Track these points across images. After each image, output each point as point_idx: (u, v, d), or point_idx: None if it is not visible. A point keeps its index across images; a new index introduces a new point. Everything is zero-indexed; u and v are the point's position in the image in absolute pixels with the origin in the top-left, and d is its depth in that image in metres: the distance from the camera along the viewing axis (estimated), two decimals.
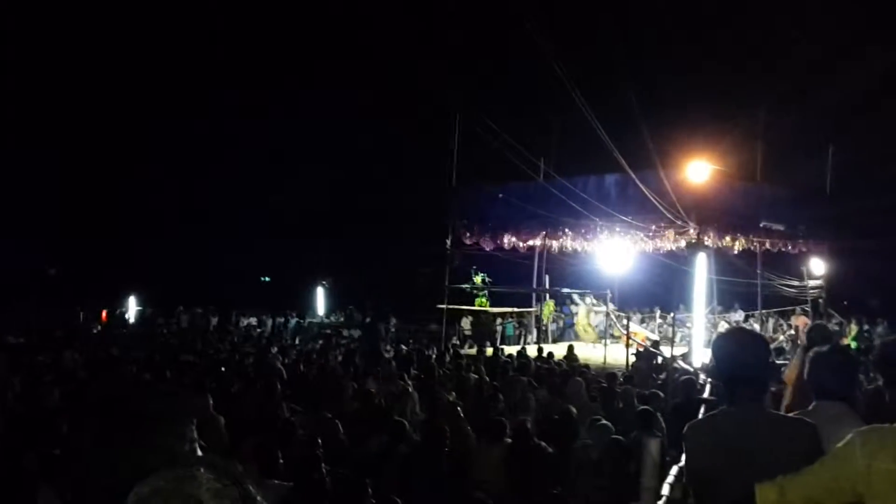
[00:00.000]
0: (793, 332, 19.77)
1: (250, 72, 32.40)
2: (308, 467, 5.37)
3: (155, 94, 31.47)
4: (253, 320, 27.50)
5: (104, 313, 26.80)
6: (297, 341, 20.27)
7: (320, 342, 19.00)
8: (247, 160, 34.28)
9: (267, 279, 33.96)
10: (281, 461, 5.45)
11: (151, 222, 33.71)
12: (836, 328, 20.46)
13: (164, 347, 16.42)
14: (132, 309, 29.76)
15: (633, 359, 15.00)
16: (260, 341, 19.45)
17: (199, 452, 1.97)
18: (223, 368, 12.44)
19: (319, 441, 6.21)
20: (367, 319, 28.56)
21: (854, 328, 21.06)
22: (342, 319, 29.77)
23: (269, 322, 27.19)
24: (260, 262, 34.04)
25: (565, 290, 21.37)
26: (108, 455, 1.83)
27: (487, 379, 11.21)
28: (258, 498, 1.26)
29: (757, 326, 19.91)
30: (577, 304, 21.66)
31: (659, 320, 22.33)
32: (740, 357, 2.82)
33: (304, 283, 32.88)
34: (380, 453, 6.56)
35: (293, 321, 28.51)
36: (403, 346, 19.11)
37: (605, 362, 16.07)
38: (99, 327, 23.75)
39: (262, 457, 5.40)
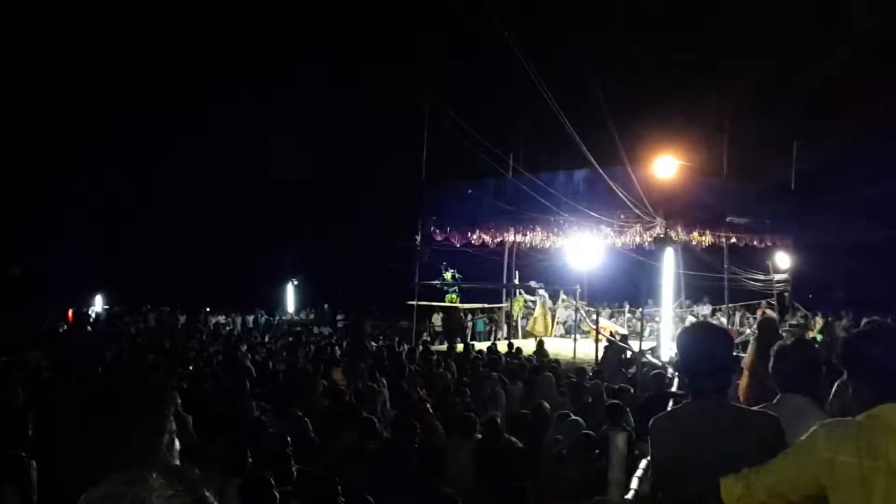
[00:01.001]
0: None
1: (220, 67, 32.14)
2: (278, 466, 5.35)
3: (121, 89, 31.07)
4: (222, 318, 27.28)
5: (70, 312, 26.40)
6: (266, 339, 20.13)
7: (290, 339, 18.89)
8: (215, 156, 33.91)
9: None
10: (250, 460, 5.41)
11: (117, 219, 33.29)
12: (802, 321, 20.77)
13: (131, 346, 16.22)
14: (99, 308, 29.39)
15: (602, 352, 15.08)
16: (229, 339, 19.29)
17: (178, 445, 1.95)
18: (191, 367, 12.34)
19: (289, 439, 6.18)
20: (339, 316, 28.63)
21: (819, 321, 21.36)
22: (312, 317, 29.67)
23: (239, 320, 26.99)
24: (229, 260, 33.71)
25: (533, 285, 21.40)
26: (86, 451, 1.82)
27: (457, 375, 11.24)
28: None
29: (724, 320, 20.15)
30: (537, 297, 21.70)
31: (628, 315, 22.49)
32: (703, 351, 2.85)
33: (274, 280, 32.72)
34: (349, 451, 6.55)
35: (263, 319, 28.36)
36: (374, 343, 19.10)
37: (574, 357, 16.15)
38: (65, 327, 23.38)
39: (231, 456, 5.35)
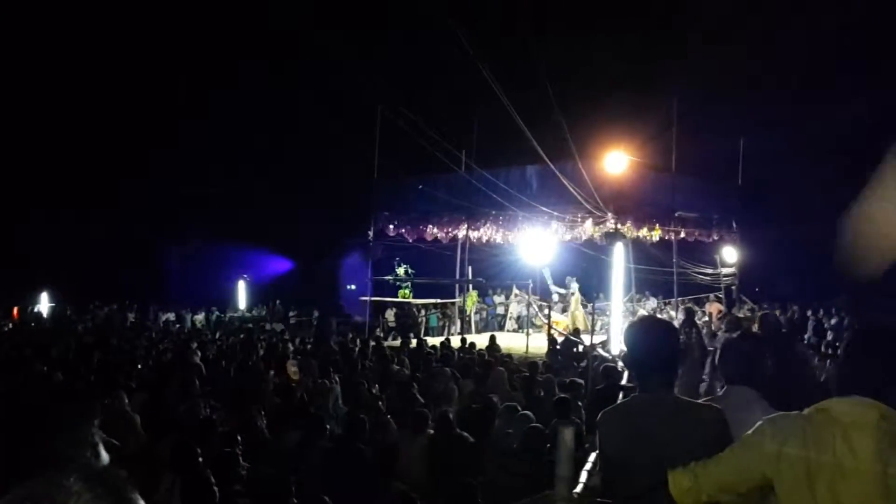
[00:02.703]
0: (707, 318, 20.38)
1: (170, 62, 31.62)
2: (228, 464, 5.28)
3: (72, 76, 30.32)
4: (171, 315, 26.84)
5: (16, 310, 25.74)
6: (217, 336, 19.85)
7: (242, 337, 18.67)
8: (164, 150, 33.34)
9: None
10: (200, 459, 5.33)
11: (62, 214, 32.48)
12: (749, 314, 21.18)
13: (78, 345, 15.86)
14: (45, 305, 28.68)
15: (551, 346, 15.17)
16: (179, 337, 18.99)
17: (105, 456, 1.89)
18: (140, 366, 12.13)
19: (239, 438, 6.11)
20: (292, 313, 28.41)
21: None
22: (264, 313, 29.37)
23: (189, 317, 26.59)
24: (179, 256, 33.20)
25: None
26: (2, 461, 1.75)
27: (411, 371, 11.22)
28: None
29: (673, 313, 20.46)
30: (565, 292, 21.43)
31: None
32: (650, 345, 2.88)
33: (224, 276, 32.28)
34: (301, 448, 6.50)
35: (214, 316, 27.98)
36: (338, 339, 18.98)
37: (527, 351, 16.25)
38: (10, 325, 22.78)
39: (180, 455, 5.27)
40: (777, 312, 21.75)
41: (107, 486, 1.17)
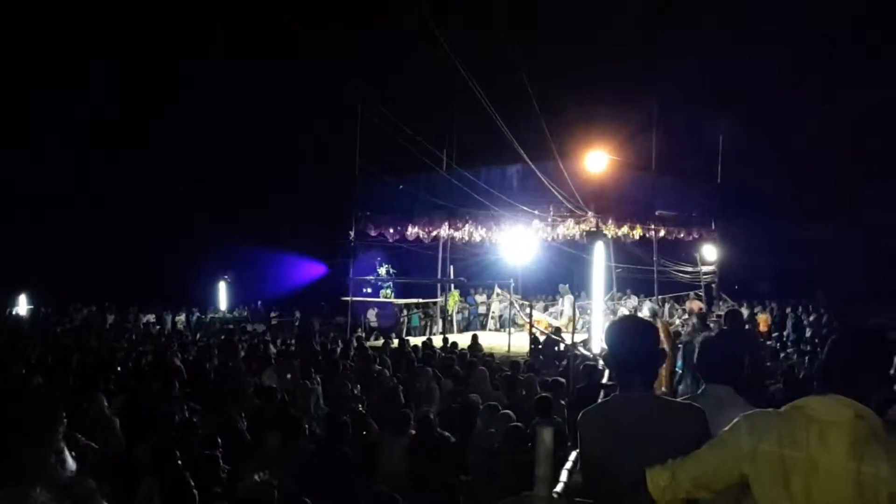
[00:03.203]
0: (687, 315, 20.52)
1: (147, 60, 31.35)
2: (208, 467, 5.26)
3: (41, 75, 30.01)
4: (152, 317, 26.64)
5: None
6: (198, 337, 19.75)
7: (222, 338, 18.57)
8: (142, 150, 33.08)
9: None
10: (179, 462, 5.30)
11: (41, 216, 32.13)
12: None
13: (57, 347, 15.71)
14: (23, 307, 28.36)
15: (532, 344, 15.20)
16: (159, 339, 18.87)
17: (71, 463, 1.87)
18: (119, 368, 12.02)
19: (220, 440, 6.08)
20: (273, 314, 28.29)
21: (745, 312, 21.95)
22: (245, 314, 29.25)
23: (169, 318, 26.41)
24: (159, 256, 32.90)
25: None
26: None
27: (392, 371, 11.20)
28: None
29: (646, 311, 20.58)
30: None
31: (561, 307, 22.73)
32: (630, 344, 2.89)
33: (205, 277, 32.09)
34: (282, 450, 6.47)
35: (194, 317, 27.82)
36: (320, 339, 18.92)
37: (509, 350, 16.28)
38: None
39: (159, 458, 5.24)
40: (755, 309, 22.04)
41: (73, 495, 1.17)
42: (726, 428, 2.40)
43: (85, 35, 29.90)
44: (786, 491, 2.21)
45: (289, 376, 10.21)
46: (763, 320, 20.90)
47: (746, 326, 18.26)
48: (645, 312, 19.13)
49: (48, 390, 8.23)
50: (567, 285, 20.94)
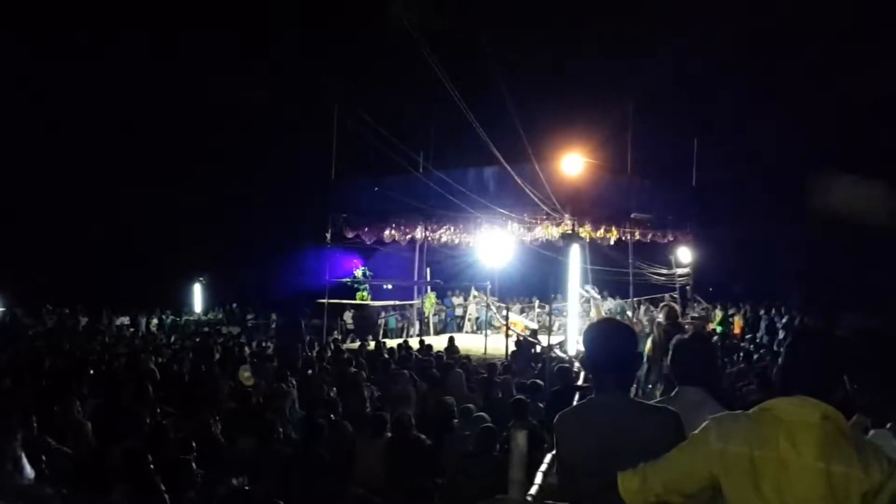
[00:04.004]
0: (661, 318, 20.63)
1: (120, 58, 31.03)
2: (181, 471, 5.20)
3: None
4: (125, 319, 26.38)
5: None
6: (172, 340, 19.58)
7: (197, 340, 18.43)
8: (115, 147, 32.67)
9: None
10: (151, 466, 5.24)
11: (12, 216, 31.66)
12: (703, 313, 21.53)
13: (28, 350, 15.52)
14: None
15: (513, 347, 15.21)
16: (133, 341, 18.68)
17: (29, 471, 1.85)
18: (92, 371, 11.89)
19: (193, 444, 6.02)
20: (249, 316, 28.09)
21: (719, 313, 22.17)
22: (221, 316, 29.04)
23: (143, 321, 26.16)
24: (133, 258, 32.57)
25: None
26: None
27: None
28: None
29: (629, 313, 20.70)
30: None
31: (538, 310, 22.80)
32: (607, 347, 2.90)
33: (179, 279, 31.81)
34: (256, 454, 6.42)
35: (169, 319, 27.57)
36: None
37: (485, 353, 16.28)
38: None
39: (131, 462, 5.18)
40: (730, 311, 22.24)
41: (30, 501, 1.15)
42: (696, 431, 2.41)
43: (51, 29, 29.56)
44: (756, 492, 2.23)
45: (263, 382, 10.15)
46: (737, 322, 21.10)
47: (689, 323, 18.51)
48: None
49: (2, 401, 8.13)
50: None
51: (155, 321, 26.79)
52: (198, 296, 31.46)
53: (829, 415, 2.23)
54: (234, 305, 29.67)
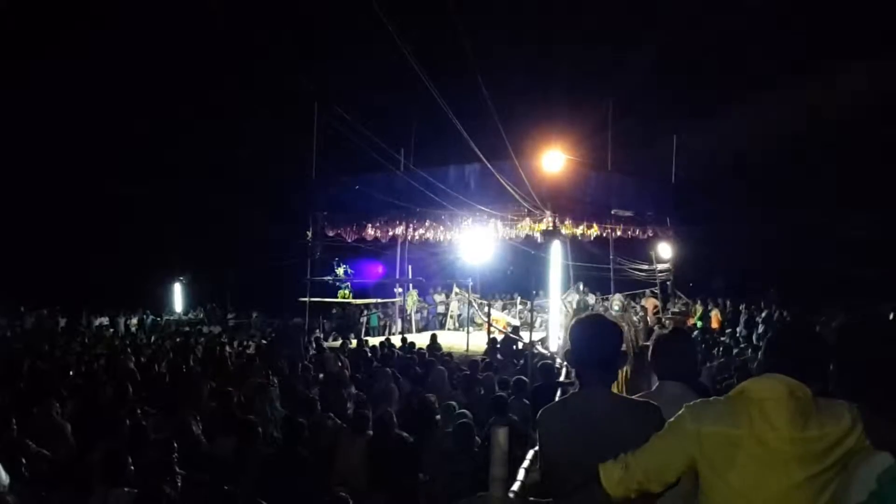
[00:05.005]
0: (642, 313, 20.78)
1: (98, 57, 30.76)
2: (160, 473, 5.18)
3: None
4: (105, 320, 26.17)
5: None
6: (152, 340, 19.45)
7: (178, 340, 18.32)
8: (96, 150, 32.41)
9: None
10: (132, 467, 5.20)
11: None
12: (683, 308, 21.67)
13: (6, 351, 15.38)
14: None
15: (487, 344, 15.17)
16: (112, 342, 18.55)
17: (4, 477, 1.84)
18: (71, 372, 11.80)
19: (175, 444, 5.99)
20: (230, 315, 27.95)
21: (699, 309, 22.30)
22: (202, 316, 28.88)
23: (122, 321, 25.95)
24: (112, 258, 32.30)
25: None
26: None
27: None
28: None
29: (616, 307, 20.79)
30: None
31: (520, 306, 22.84)
32: (594, 343, 2.92)
33: (160, 278, 31.62)
34: (238, 453, 6.39)
35: (149, 319, 27.38)
36: (264, 341, 18.74)
37: (467, 350, 16.29)
38: None
39: (110, 464, 5.14)
40: (709, 306, 22.38)
41: None
42: (671, 419, 2.46)
43: (28, 33, 29.28)
44: (735, 470, 2.31)
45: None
46: (715, 317, 21.24)
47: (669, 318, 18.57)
48: (615, 308, 19.28)
49: None
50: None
51: (135, 321, 26.58)
52: (178, 295, 31.27)
53: (795, 389, 2.31)
54: (212, 305, 29.54)
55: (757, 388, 2.36)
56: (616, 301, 20.38)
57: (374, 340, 16.67)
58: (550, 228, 16.38)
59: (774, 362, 2.43)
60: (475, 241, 18.35)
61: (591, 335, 2.95)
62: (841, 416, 2.26)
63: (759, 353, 2.59)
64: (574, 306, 18.76)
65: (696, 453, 2.37)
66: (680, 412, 2.46)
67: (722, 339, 16.32)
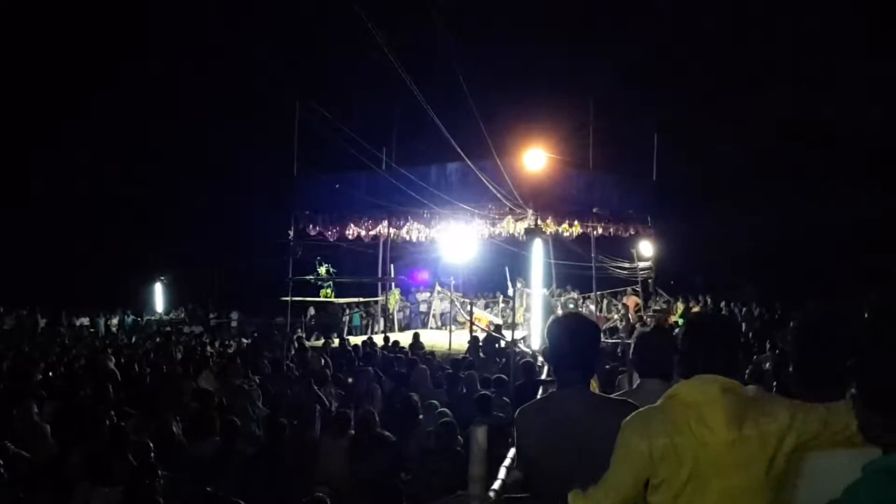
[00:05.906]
0: (624, 311, 20.86)
1: (76, 57, 30.52)
2: (141, 473, 5.15)
3: None
4: (85, 320, 25.98)
5: None
6: (133, 340, 19.34)
7: (158, 340, 18.22)
8: (78, 148, 32.16)
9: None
10: (113, 468, 5.18)
11: None
12: (664, 306, 21.77)
13: None
14: None
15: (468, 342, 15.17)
16: (93, 342, 18.42)
17: None
18: (51, 373, 11.72)
19: (152, 446, 5.95)
20: (212, 315, 27.79)
21: (680, 306, 22.40)
22: (183, 316, 28.73)
23: (102, 321, 25.77)
24: (92, 258, 32.05)
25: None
26: None
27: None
28: None
29: (592, 307, 20.87)
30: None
31: (502, 304, 22.86)
32: (572, 342, 2.94)
33: (140, 278, 31.41)
34: (218, 454, 6.36)
35: (129, 319, 27.20)
36: (245, 341, 18.68)
37: (450, 348, 16.29)
38: None
39: (91, 465, 5.12)
40: (690, 304, 22.50)
41: None
42: (618, 441, 2.44)
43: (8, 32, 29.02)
44: (679, 471, 2.32)
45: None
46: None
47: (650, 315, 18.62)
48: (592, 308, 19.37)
49: None
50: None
51: (115, 321, 26.40)
52: (159, 295, 31.09)
53: (727, 386, 2.35)
54: (193, 305, 29.38)
55: (689, 391, 2.38)
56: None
57: (357, 339, 16.64)
58: (532, 226, 16.39)
59: (702, 362, 2.43)
60: (457, 239, 18.33)
61: (569, 334, 2.97)
62: (777, 413, 2.29)
63: (679, 351, 2.57)
64: (567, 307, 18.84)
65: (651, 470, 2.37)
66: (622, 432, 2.44)
67: None
